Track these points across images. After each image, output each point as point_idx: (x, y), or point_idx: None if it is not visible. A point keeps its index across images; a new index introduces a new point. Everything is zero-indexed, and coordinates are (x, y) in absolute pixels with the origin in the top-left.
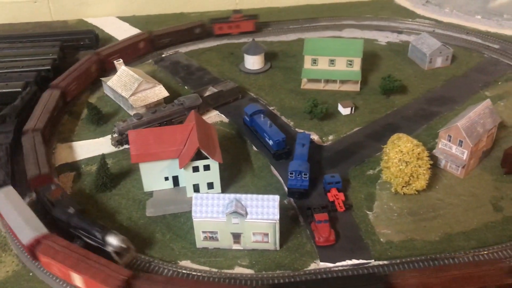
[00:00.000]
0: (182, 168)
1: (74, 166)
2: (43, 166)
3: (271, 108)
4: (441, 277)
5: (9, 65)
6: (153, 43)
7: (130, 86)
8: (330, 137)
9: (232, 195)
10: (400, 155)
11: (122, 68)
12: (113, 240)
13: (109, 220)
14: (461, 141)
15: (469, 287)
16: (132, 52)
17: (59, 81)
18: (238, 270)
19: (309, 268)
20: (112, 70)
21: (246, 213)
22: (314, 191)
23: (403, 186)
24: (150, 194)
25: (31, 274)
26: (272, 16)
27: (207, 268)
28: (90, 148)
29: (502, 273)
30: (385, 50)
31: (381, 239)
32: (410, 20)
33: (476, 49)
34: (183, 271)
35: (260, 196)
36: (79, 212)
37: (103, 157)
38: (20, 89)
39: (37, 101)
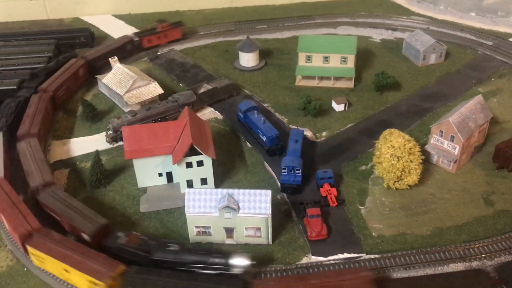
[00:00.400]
0: (176, 164)
1: (68, 163)
2: (97, 218)
3: (265, 105)
4: (300, 286)
5: (4, 63)
6: (90, 68)
7: (125, 83)
8: (324, 133)
9: (225, 190)
10: (392, 150)
11: (117, 66)
12: (242, 261)
13: (103, 217)
14: (452, 136)
15: None
16: (74, 82)
17: (25, 130)
18: None
19: (301, 262)
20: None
21: (239, 208)
22: (307, 187)
23: (395, 181)
24: (144, 190)
25: (25, 269)
26: (267, 14)
27: None
28: (85, 145)
29: (363, 282)
30: (379, 47)
31: (373, 234)
32: (404, 17)
33: (470, 46)
34: None
35: (252, 191)
36: (183, 246)
37: (97, 153)
38: (15, 87)
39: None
